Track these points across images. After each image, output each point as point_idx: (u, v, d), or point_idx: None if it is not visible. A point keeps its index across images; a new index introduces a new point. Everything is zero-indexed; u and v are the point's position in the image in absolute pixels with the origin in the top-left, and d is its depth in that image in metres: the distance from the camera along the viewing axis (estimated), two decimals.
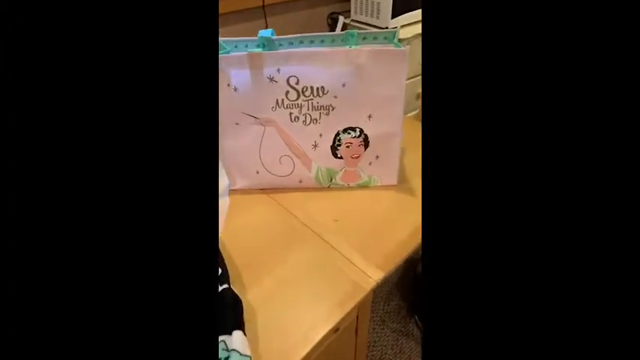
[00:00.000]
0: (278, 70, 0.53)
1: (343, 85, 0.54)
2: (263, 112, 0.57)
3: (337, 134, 0.59)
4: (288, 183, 0.64)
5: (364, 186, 0.65)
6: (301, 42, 0.60)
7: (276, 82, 0.54)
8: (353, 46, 0.53)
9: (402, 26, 1.52)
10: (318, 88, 0.55)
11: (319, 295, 0.47)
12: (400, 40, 1.45)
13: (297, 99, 0.56)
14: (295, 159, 0.62)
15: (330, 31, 1.54)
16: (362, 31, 0.60)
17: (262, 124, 0.58)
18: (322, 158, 0.61)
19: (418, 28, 1.41)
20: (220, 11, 1.16)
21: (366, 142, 0.60)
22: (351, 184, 0.65)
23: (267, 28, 1.31)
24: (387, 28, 1.42)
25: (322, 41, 0.60)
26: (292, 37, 0.59)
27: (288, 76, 0.54)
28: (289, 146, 0.60)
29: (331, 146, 0.60)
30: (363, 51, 0.52)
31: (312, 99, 0.56)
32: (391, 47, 0.54)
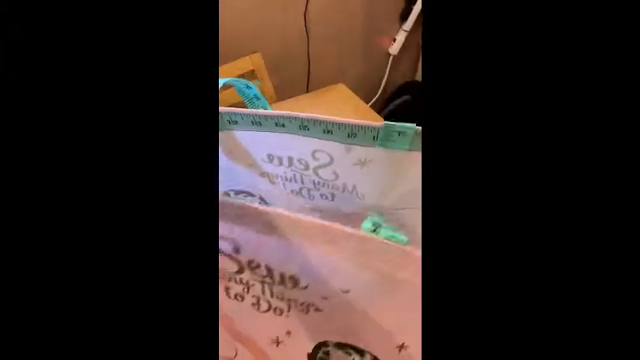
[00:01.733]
0: None
1: (346, 292, 0.21)
2: None
3: (323, 344, 0.27)
4: None
5: None
6: (279, 125, 0.27)
7: None
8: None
9: None
10: (284, 276, 0.22)
11: None
12: None
13: (240, 272, 0.24)
14: (240, 347, 0.31)
15: (405, 10, 1.11)
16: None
17: None
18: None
19: None
20: None
21: None
22: None
23: None
24: None
25: (328, 132, 0.26)
26: (263, 115, 0.26)
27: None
28: (228, 331, 0.30)
29: (309, 355, 0.29)
30: (403, 255, 0.18)
31: (271, 284, 0.24)
32: None
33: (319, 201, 0.34)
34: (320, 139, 0.26)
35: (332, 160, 0.28)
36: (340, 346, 0.26)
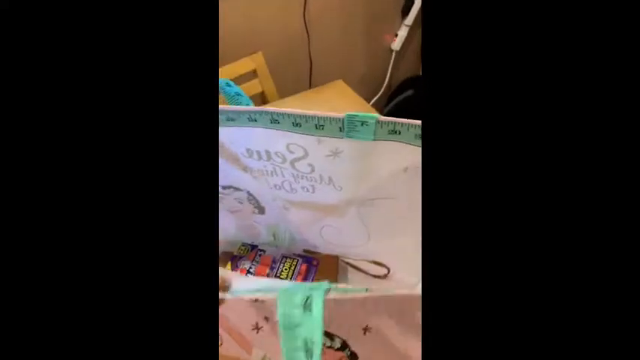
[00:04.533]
0: None
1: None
2: None
3: None
4: None
5: None
6: (252, 119, 0.28)
7: None
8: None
9: None
10: None
11: None
12: None
13: None
14: (225, 335, 0.33)
15: (406, 5, 1.11)
16: (387, 119, 0.25)
17: None
18: (269, 345, 0.32)
19: None
20: None
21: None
22: None
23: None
24: None
25: (297, 124, 0.27)
26: (235, 111, 0.28)
27: None
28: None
29: None
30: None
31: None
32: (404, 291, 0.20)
33: (302, 194, 0.35)
34: (290, 131, 0.27)
35: (306, 152, 0.29)
36: None
